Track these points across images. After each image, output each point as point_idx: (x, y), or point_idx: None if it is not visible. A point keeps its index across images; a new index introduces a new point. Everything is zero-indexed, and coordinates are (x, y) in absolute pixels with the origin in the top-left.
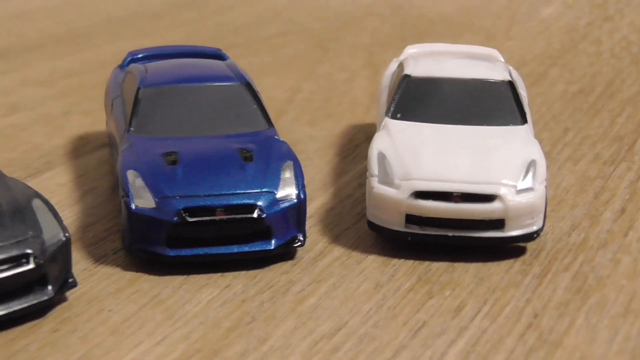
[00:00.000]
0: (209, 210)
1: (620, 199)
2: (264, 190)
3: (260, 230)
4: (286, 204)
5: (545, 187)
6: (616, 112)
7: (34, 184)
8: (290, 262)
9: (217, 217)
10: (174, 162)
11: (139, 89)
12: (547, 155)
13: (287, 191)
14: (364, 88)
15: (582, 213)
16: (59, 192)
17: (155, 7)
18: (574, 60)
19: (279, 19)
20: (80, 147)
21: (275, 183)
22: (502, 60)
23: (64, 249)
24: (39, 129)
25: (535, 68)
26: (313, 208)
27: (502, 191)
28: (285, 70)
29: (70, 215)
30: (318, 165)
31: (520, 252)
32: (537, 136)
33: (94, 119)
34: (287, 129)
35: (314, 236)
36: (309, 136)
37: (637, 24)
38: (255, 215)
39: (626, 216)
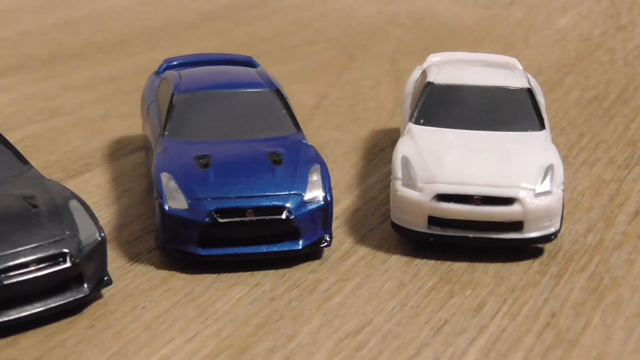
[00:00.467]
0: (240, 211)
1: (634, 202)
2: (292, 192)
3: (288, 231)
4: (313, 206)
5: (563, 190)
6: (630, 118)
7: (72, 185)
8: (317, 262)
9: (247, 218)
10: (206, 165)
11: (173, 94)
12: (564, 159)
13: (315, 193)
14: (388, 94)
15: (597, 215)
16: (97, 193)
17: (190, 17)
18: (589, 68)
19: (307, 29)
20: (117, 150)
21: (303, 186)
22: (521, 68)
23: (100, 248)
24: (78, 132)
25: (551, 75)
26: (339, 209)
27: (521, 194)
28: (313, 77)
29: (106, 215)
30: (344, 168)
31: (538, 253)
32: (554, 141)
33: (131, 123)
34: (315, 133)
35: (340, 236)
36: (336, 140)
37: None
38: (283, 216)
39: None
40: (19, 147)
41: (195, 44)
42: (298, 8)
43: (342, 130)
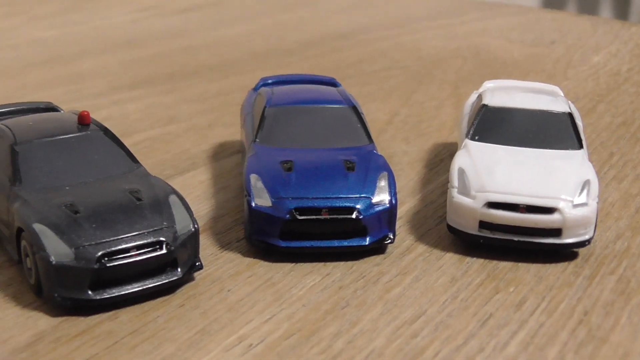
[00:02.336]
0: (316, 210)
1: None
2: (362, 195)
3: (357, 228)
4: (380, 208)
5: (597, 202)
6: None
7: (180, 180)
8: (381, 256)
9: (322, 217)
10: (289, 169)
11: (265, 107)
12: (597, 173)
13: (382, 197)
14: (449, 114)
15: (625, 225)
16: (199, 188)
17: (288, 45)
18: (618, 98)
19: (384, 58)
20: (220, 153)
21: (372, 190)
22: (562, 95)
23: (193, 238)
24: (189, 136)
25: (586, 103)
26: (403, 211)
27: (561, 205)
28: (387, 97)
29: (205, 207)
30: (409, 175)
31: (574, 256)
32: (589, 159)
33: (233, 131)
34: (386, 145)
35: (402, 234)
36: (403, 151)
37: None
38: (353, 216)
39: None
40: (140, 147)
41: (291, 67)
42: (378, 40)
43: (409, 142)
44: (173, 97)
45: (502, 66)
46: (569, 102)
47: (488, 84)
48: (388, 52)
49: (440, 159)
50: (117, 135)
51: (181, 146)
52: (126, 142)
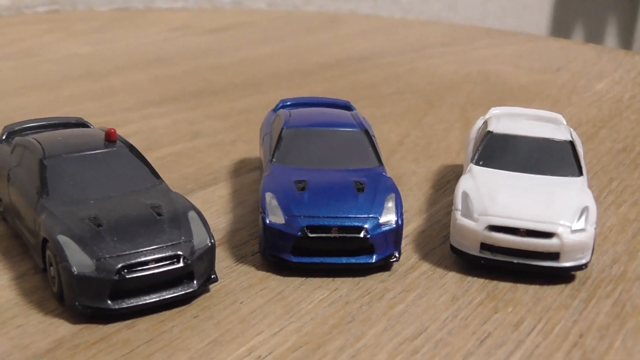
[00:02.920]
0: (326, 228)
1: None
2: (370, 215)
3: (365, 247)
4: (387, 228)
5: (595, 228)
6: None
7: (201, 194)
8: (387, 273)
9: (332, 235)
10: (303, 189)
11: (282, 129)
12: (595, 199)
13: (389, 217)
14: (457, 137)
15: (622, 249)
16: (218, 202)
17: (309, 67)
18: (619, 124)
19: (398, 81)
20: (240, 169)
21: (380, 210)
22: (565, 123)
23: (210, 252)
24: (212, 152)
25: (588, 129)
26: (409, 229)
27: (559, 230)
28: (399, 119)
29: (224, 221)
30: (416, 195)
31: (571, 279)
32: (589, 185)
33: (253, 147)
34: (396, 165)
35: (407, 252)
36: (412, 171)
37: None
38: (361, 235)
39: None
40: (165, 162)
41: (310, 87)
42: (392, 65)
43: (418, 163)
44: (198, 114)
45: (509, 91)
46: (571, 129)
47: (494, 111)
48: (403, 76)
49: (447, 180)
50: (144, 149)
51: (204, 161)
52: (152, 156)
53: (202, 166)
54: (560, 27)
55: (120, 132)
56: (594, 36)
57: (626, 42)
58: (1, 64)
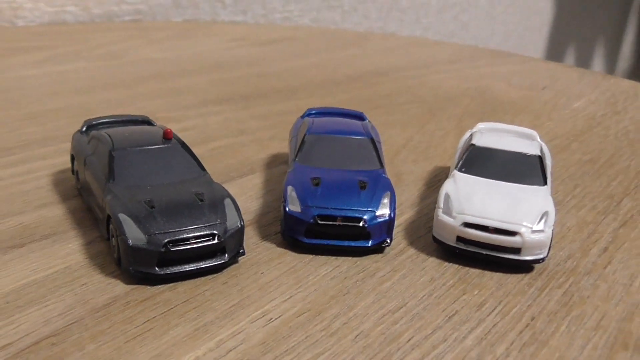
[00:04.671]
0: (333, 217)
1: (605, 241)
2: (369, 209)
3: (363, 233)
4: (381, 220)
5: (552, 230)
6: (612, 178)
7: (239, 182)
8: (379, 255)
9: (337, 223)
10: (317, 184)
11: (305, 134)
12: (560, 202)
13: (384, 211)
14: (451, 142)
15: (576, 247)
16: (253, 189)
17: (338, 78)
18: (589, 139)
19: (408, 93)
20: (273, 162)
21: (377, 205)
22: (538, 139)
23: (239, 232)
24: (252, 147)
25: (562, 141)
26: (402, 219)
27: (522, 230)
28: (405, 125)
29: (255, 205)
30: (412, 190)
31: (529, 270)
32: (555, 188)
33: (285, 145)
34: (399, 164)
35: (398, 239)
36: (411, 171)
37: (635, 119)
38: (361, 224)
39: (607, 254)
40: (214, 153)
41: (337, 96)
42: (406, 78)
43: (417, 164)
44: (245, 114)
45: (500, 105)
46: (543, 143)
47: (480, 125)
48: (413, 89)
49: (438, 179)
50: (199, 141)
51: (245, 154)
52: (205, 147)
53: (243, 158)
54: (557, 49)
55: (180, 126)
56: (583, 60)
57: (611, 67)
58: (93, 63)
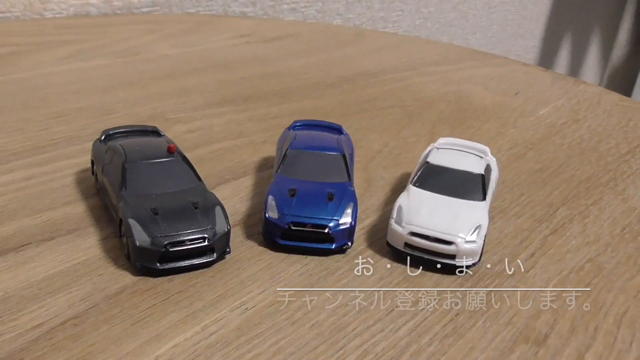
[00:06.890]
0: (303, 224)
1: (534, 247)
2: (334, 217)
3: (328, 238)
4: (344, 227)
5: (484, 241)
6: (555, 187)
7: (233, 184)
8: (341, 256)
9: (307, 229)
10: (293, 195)
11: (287, 149)
12: (504, 210)
13: (346, 220)
14: (421, 149)
15: (508, 252)
16: (244, 191)
17: (331, 79)
18: (545, 147)
19: (392, 97)
20: (264, 165)
21: (341, 215)
22: (489, 154)
23: (226, 235)
24: (247, 150)
25: (520, 150)
26: (365, 223)
27: (457, 240)
28: (384, 131)
29: (245, 205)
30: (378, 196)
31: (463, 272)
32: (502, 197)
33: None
34: (372, 170)
35: (359, 241)
36: (381, 177)
37: (592, 127)
38: (326, 230)
39: (533, 259)
40: (214, 155)
41: (329, 99)
42: (392, 81)
43: (387, 170)
44: (244, 116)
45: (472, 111)
46: (493, 158)
47: (441, 140)
48: (397, 92)
49: (403, 186)
50: (202, 143)
51: (240, 157)
52: (206, 150)
53: (239, 161)
54: (553, 37)
55: (186, 127)
56: (581, 45)
57: (607, 52)
58: (113, 60)
